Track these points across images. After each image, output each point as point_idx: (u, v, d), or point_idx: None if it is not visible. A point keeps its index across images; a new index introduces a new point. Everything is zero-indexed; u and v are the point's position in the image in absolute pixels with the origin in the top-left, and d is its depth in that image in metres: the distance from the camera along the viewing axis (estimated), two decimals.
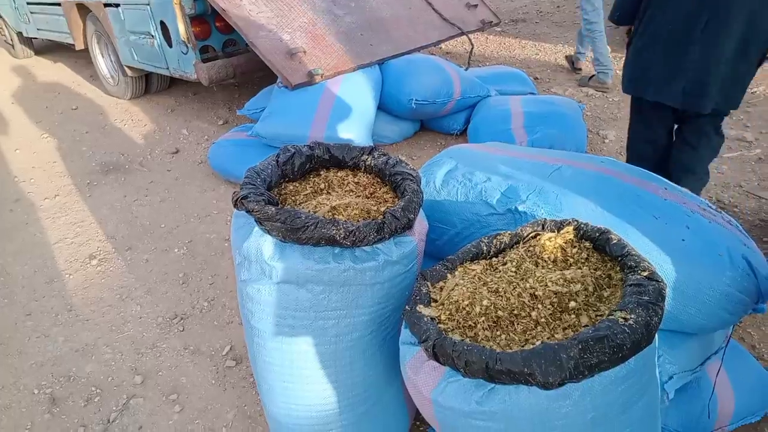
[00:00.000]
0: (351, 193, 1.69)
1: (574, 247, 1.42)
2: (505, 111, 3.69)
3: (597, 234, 1.40)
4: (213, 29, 4.26)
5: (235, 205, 1.42)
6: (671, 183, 1.79)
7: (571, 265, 1.39)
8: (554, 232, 1.45)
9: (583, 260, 1.39)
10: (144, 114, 5.26)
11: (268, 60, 3.68)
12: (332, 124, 3.53)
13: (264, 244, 1.38)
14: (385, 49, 4.19)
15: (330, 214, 1.50)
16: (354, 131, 3.56)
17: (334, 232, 1.35)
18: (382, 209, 1.59)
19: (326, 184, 1.72)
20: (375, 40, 4.23)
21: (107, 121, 5.18)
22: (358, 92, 3.77)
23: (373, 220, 1.44)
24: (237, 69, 4.42)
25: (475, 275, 1.39)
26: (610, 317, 1.13)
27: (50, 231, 3.42)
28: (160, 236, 3.22)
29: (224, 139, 3.92)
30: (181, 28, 4.10)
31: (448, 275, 1.40)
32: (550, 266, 1.39)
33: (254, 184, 1.46)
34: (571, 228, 1.44)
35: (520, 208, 1.63)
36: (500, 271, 1.39)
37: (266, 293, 1.40)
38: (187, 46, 4.17)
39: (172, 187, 3.85)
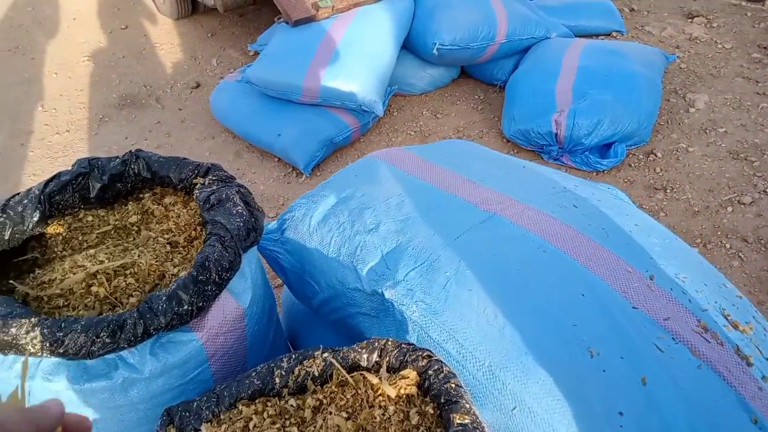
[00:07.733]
0: (167, 234, 1.18)
1: (416, 407, 0.83)
2: (555, 63, 2.83)
3: (447, 397, 0.79)
4: None
5: None
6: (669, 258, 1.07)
7: None
8: (391, 373, 0.86)
9: None
10: (183, 38, 4.91)
11: None
12: (332, 72, 2.92)
13: None
14: None
15: (82, 284, 1.02)
16: (359, 81, 2.93)
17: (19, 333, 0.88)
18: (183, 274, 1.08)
19: (141, 215, 1.22)
20: None
21: (147, 44, 4.91)
22: (372, 30, 3.08)
23: (120, 315, 0.93)
24: None
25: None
26: None
27: (45, 174, 3.27)
28: None
29: (227, 80, 3.46)
30: None
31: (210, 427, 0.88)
32: None
33: None
34: (414, 374, 0.84)
35: (387, 294, 1.02)
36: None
37: None
38: None
39: (175, 130, 3.52)
